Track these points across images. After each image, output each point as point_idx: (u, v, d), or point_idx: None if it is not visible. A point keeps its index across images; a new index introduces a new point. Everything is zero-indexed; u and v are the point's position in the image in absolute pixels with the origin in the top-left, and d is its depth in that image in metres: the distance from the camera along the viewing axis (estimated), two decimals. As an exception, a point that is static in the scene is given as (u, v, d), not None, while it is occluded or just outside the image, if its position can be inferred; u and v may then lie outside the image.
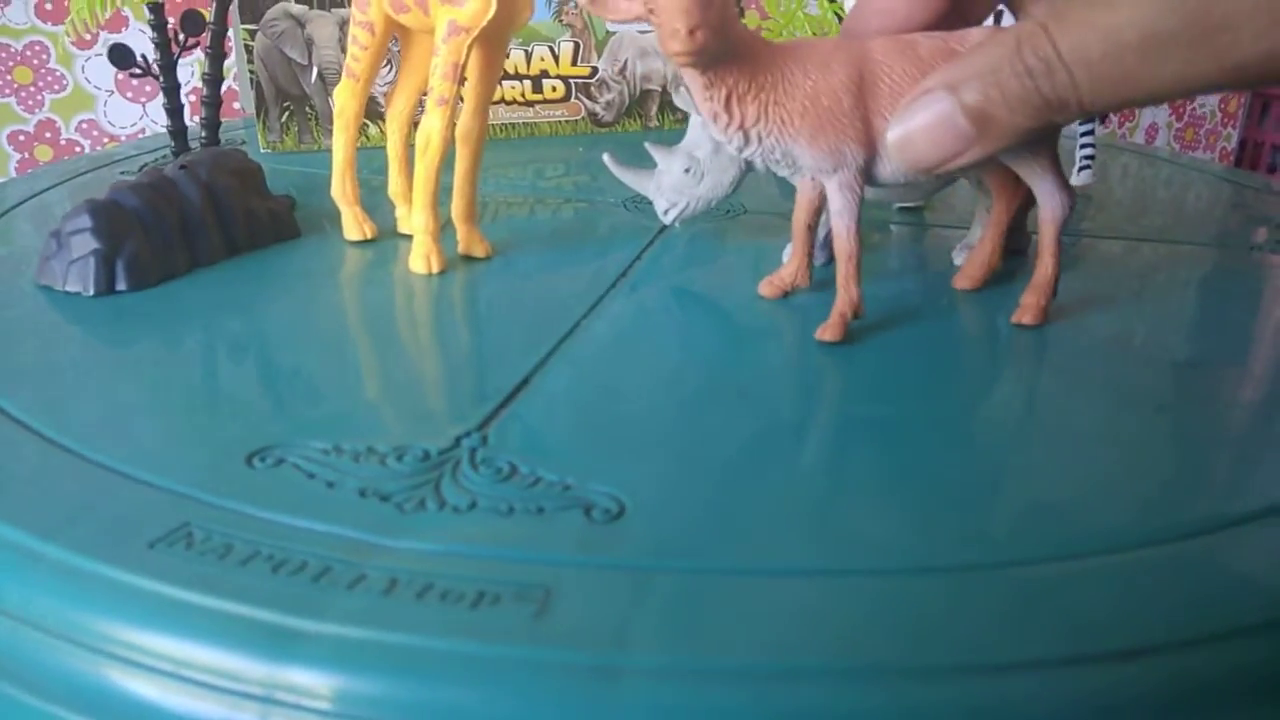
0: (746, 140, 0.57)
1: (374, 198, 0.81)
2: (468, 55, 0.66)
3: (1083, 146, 0.95)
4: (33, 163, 1.27)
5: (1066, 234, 0.82)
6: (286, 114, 1.06)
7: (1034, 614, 0.35)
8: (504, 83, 1.15)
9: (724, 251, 0.78)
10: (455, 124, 0.69)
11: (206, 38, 0.78)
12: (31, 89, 1.24)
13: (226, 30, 0.79)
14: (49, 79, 1.25)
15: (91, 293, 0.63)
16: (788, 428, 0.51)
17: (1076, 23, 0.40)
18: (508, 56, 1.15)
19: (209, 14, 0.80)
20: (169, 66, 0.77)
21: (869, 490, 0.44)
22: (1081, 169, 0.95)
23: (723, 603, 0.35)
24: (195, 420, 0.49)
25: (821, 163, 0.57)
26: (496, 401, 0.51)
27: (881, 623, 0.34)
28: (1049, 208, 0.61)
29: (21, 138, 1.26)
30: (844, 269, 0.59)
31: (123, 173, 0.94)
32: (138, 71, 0.76)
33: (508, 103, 1.16)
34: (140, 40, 0.92)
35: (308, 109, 1.06)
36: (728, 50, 0.53)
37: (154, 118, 1.21)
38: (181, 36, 0.77)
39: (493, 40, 0.68)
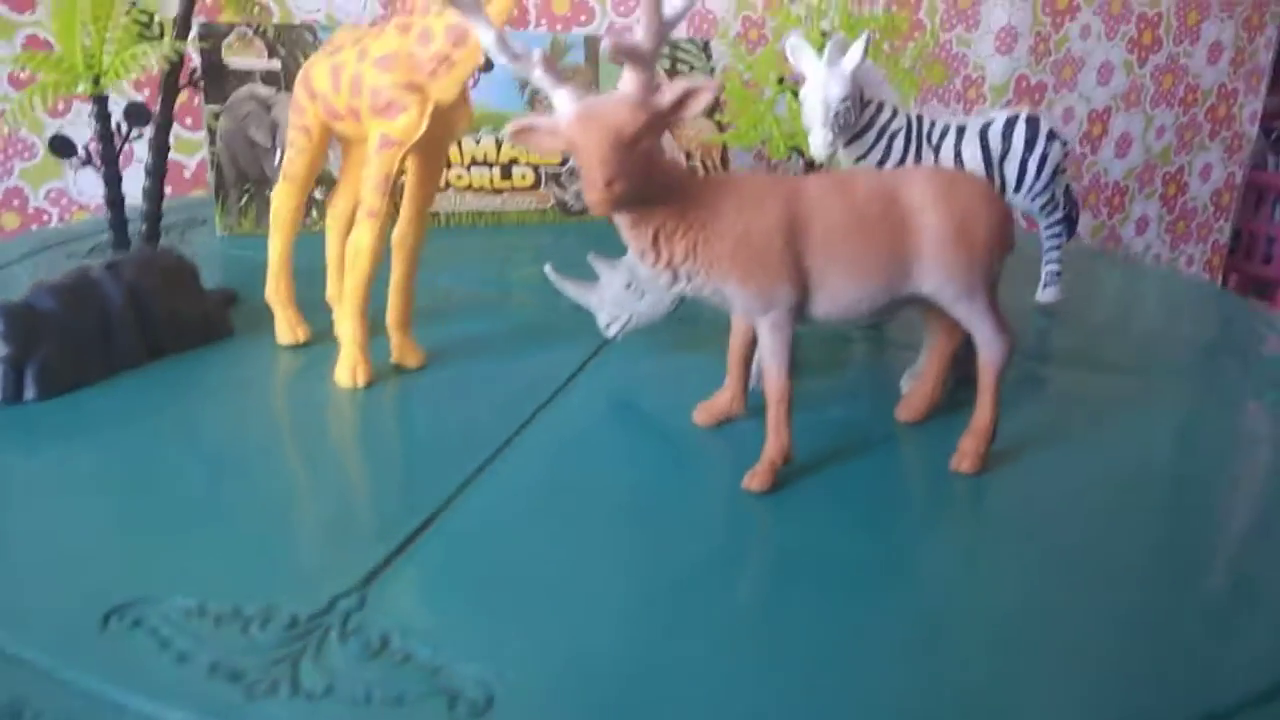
0: (675, 278, 0.55)
1: (319, 289, 0.77)
2: (401, 167, 0.64)
3: (1049, 262, 0.93)
4: (-3, 229, 1.26)
5: (1028, 358, 0.80)
6: (246, 197, 1.04)
7: None
8: (473, 169, 1.14)
9: (668, 365, 0.75)
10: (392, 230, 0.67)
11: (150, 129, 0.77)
12: (0, 156, 1.23)
13: (171, 123, 0.78)
14: (19, 146, 1.24)
15: (-3, 401, 0.61)
16: (699, 586, 0.48)
17: None
18: (448, 166, 1.14)
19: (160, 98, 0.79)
20: (111, 159, 0.75)
21: (772, 682, 0.41)
22: (1048, 285, 0.93)
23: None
24: (63, 564, 0.46)
25: (752, 304, 0.55)
26: (387, 550, 0.48)
27: None
28: (987, 354, 0.58)
29: (-12, 204, 1.26)
30: (775, 412, 0.57)
31: (69, 256, 0.92)
32: (78, 162, 0.75)
33: (476, 189, 1.14)
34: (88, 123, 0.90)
35: (268, 191, 1.05)
36: (654, 190, 0.52)
37: (124, 188, 1.19)
38: (125, 128, 0.76)
39: (430, 151, 0.66)
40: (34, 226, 1.28)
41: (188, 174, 1.32)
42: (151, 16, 0.74)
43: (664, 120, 0.50)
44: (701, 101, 0.50)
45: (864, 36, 0.77)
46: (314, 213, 1.04)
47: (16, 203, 1.26)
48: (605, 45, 0.48)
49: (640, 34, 0.49)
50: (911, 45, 1.04)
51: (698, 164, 1.25)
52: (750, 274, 0.54)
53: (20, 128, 1.18)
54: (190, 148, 1.30)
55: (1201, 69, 2.08)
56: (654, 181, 0.51)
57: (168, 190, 1.21)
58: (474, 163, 1.15)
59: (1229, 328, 0.93)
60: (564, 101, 0.50)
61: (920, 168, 0.57)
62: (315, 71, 0.65)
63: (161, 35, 0.76)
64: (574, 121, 0.49)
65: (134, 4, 0.73)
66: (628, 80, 0.50)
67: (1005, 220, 0.57)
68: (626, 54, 0.49)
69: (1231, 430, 0.70)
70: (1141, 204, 2.18)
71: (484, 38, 0.51)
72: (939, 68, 1.06)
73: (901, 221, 0.55)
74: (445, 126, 0.64)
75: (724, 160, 1.26)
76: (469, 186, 1.14)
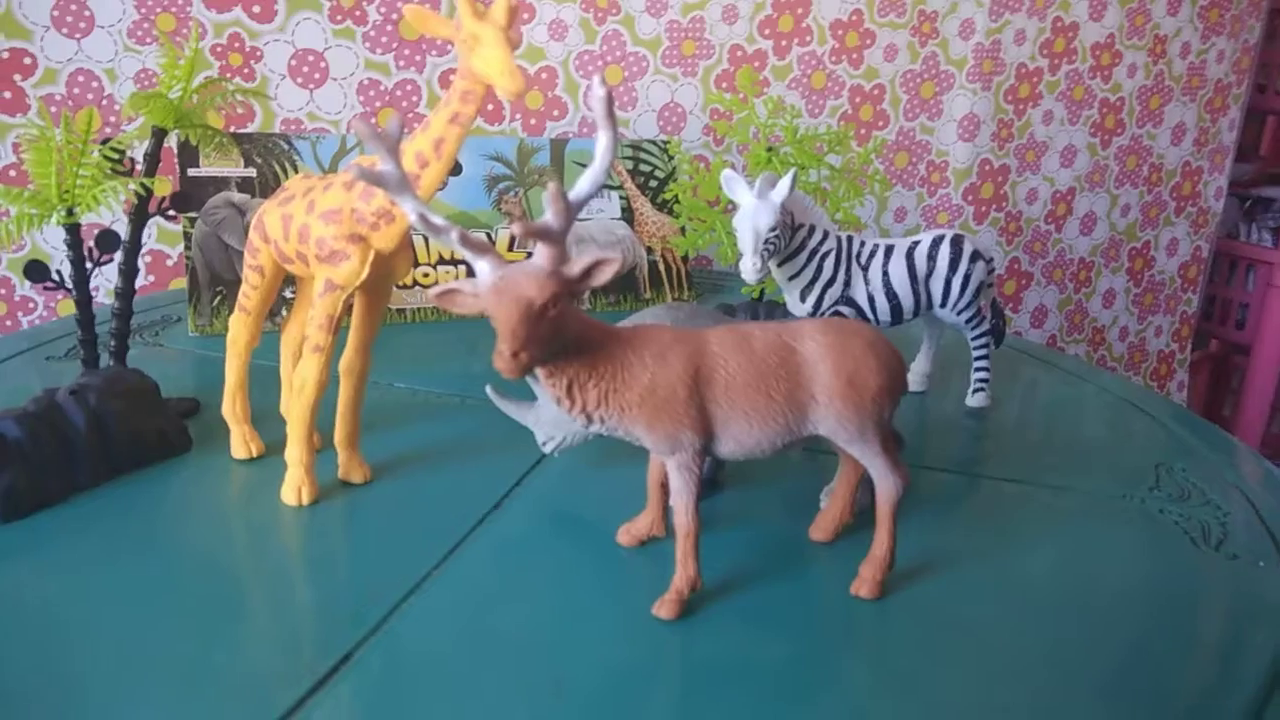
0: (590, 421, 0.60)
1: (277, 392, 0.83)
2: (345, 306, 0.69)
3: (977, 370, 0.98)
4: (-17, 318, 1.32)
5: (950, 470, 0.84)
6: (218, 298, 1.09)
7: None
8: (440, 267, 1.20)
9: (601, 478, 0.79)
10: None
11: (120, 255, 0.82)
12: (-12, 248, 1.29)
13: (140, 248, 0.83)
14: (7, 239, 1.29)
15: (-38, 525, 0.65)
16: (618, 704, 0.53)
17: None
18: (416, 265, 1.19)
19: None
20: (82, 282, 0.80)
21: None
22: (976, 391, 0.98)
23: None
24: (7, 696, 0.50)
25: (660, 446, 0.60)
26: (301, 691, 0.52)
27: None
28: (882, 489, 0.63)
29: (-26, 294, 1.31)
30: (682, 546, 0.61)
31: (48, 358, 0.97)
32: (51, 285, 0.80)
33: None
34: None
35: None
36: (565, 346, 0.56)
37: (108, 276, 1.25)
38: (96, 254, 0.81)
39: (374, 290, 0.71)
40: (20, 314, 1.34)
41: (170, 263, 1.37)
42: (122, 154, 0.79)
43: (573, 288, 0.55)
44: (608, 273, 0.55)
45: (791, 172, 0.83)
46: (284, 311, 1.08)
47: (4, 291, 1.32)
48: (516, 229, 0.53)
49: (550, 216, 0.54)
50: (859, 150, 1.10)
51: (659, 259, 1.31)
52: (656, 420, 0.59)
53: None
54: (174, 239, 1.35)
55: (1165, 149, 2.14)
56: (565, 340, 0.56)
57: (150, 280, 1.26)
58: (441, 261, 1.20)
59: (1151, 438, 0.97)
60: (483, 271, 0.55)
61: (815, 321, 0.61)
62: (268, 218, 0.70)
63: (132, 170, 0.81)
64: (490, 293, 0.54)
65: (104, 142, 0.78)
66: (540, 253, 0.55)
67: (895, 370, 0.61)
68: (537, 235, 0.54)
69: (1137, 555, 0.74)
70: (1108, 278, 2.23)
71: (410, 214, 0.56)
72: (881, 177, 1.12)
73: (797, 372, 0.59)
74: (387, 269, 0.69)
75: (684, 257, 1.32)
76: (435, 284, 1.19)
